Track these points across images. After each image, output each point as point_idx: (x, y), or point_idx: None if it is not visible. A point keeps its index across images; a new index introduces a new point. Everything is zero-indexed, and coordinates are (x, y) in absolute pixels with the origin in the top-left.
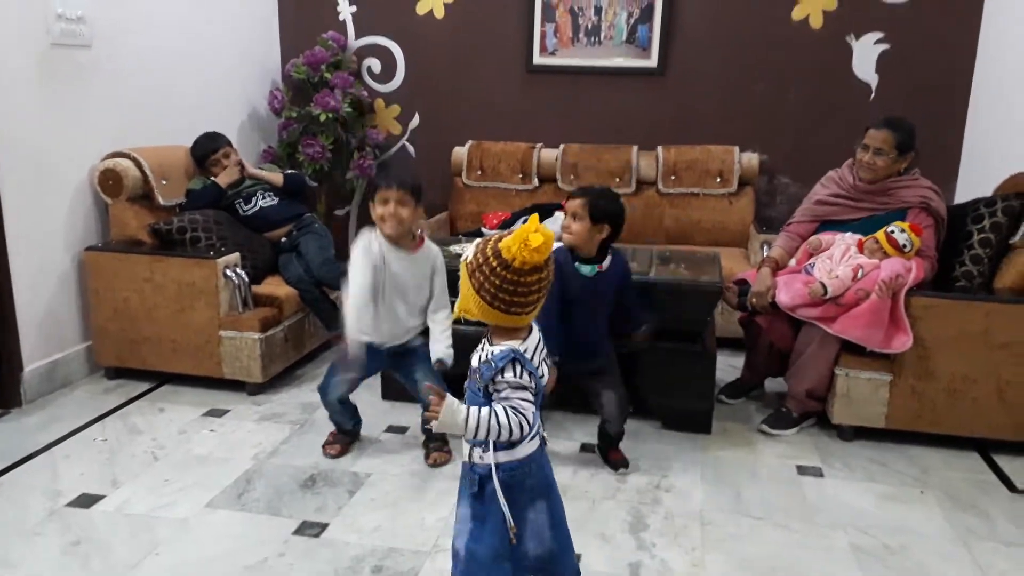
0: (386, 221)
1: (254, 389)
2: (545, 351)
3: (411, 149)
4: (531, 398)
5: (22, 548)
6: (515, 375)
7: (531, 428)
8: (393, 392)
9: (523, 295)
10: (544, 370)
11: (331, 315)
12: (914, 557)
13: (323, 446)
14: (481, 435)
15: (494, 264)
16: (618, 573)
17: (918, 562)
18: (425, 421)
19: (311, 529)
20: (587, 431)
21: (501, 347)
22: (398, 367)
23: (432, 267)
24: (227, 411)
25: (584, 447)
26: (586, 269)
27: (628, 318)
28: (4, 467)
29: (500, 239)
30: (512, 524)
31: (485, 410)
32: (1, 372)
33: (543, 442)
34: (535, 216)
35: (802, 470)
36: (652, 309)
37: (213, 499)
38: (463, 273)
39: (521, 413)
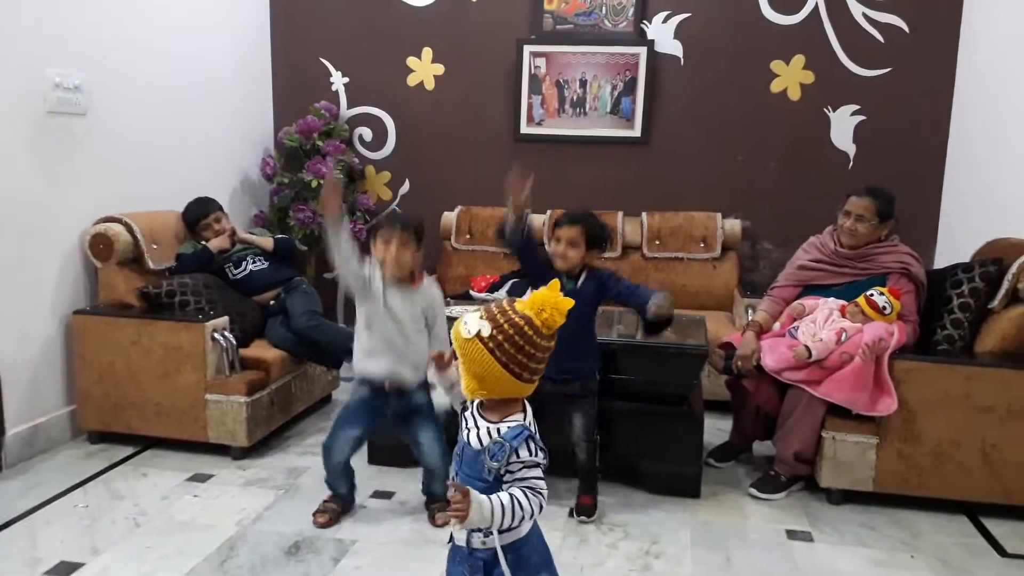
0: (387, 264)
1: (239, 453)
2: None
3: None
4: (542, 475)
5: None
6: (530, 453)
7: (545, 506)
8: (379, 457)
9: (545, 360)
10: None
11: (330, 356)
12: None
13: (314, 514)
14: (506, 524)
15: (529, 333)
16: None
17: None
18: (426, 485)
19: None
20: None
21: (510, 424)
22: (402, 427)
23: (431, 306)
24: (211, 476)
25: (573, 512)
26: (567, 281)
27: (635, 303)
28: None
29: (514, 309)
30: None
31: (507, 498)
32: None
33: None
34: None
35: (792, 534)
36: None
37: (195, 567)
38: (473, 351)
39: (539, 493)
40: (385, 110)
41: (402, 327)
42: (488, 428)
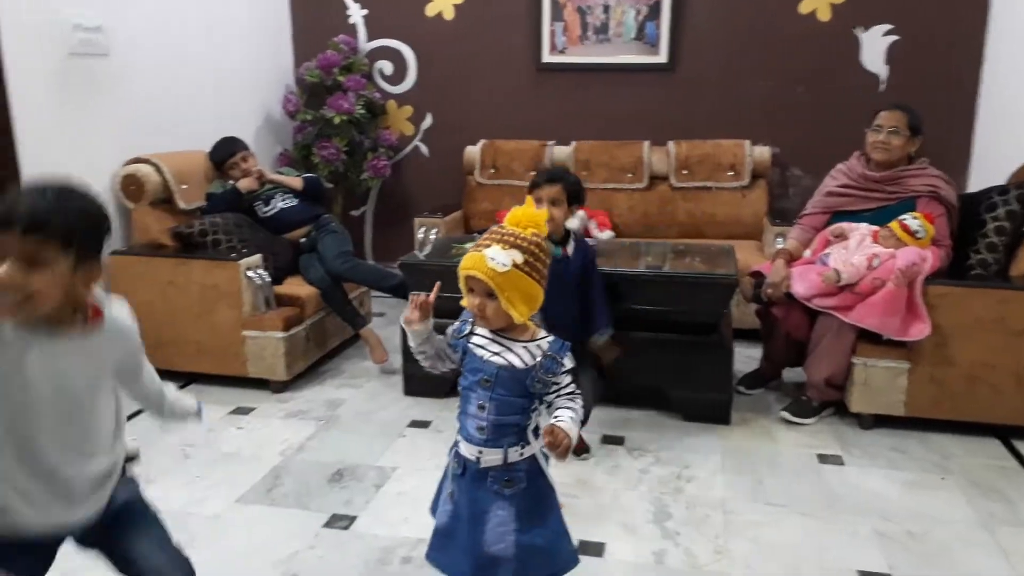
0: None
1: (279, 387)
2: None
3: (424, 149)
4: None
5: None
6: (570, 361)
7: None
8: (415, 388)
9: None
10: None
11: (354, 314)
12: (937, 542)
13: None
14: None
15: (545, 246)
16: (644, 562)
17: (942, 547)
18: None
19: (340, 522)
20: (609, 423)
21: (548, 340)
22: (102, 546)
23: (124, 356)
24: (253, 409)
25: (606, 439)
26: (554, 250)
27: (589, 318)
28: None
29: (518, 233)
30: (561, 500)
31: (570, 413)
32: None
33: None
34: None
35: (823, 458)
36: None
37: (243, 495)
38: (516, 280)
39: (578, 394)
40: (405, 42)
41: (72, 409)
42: (526, 347)
